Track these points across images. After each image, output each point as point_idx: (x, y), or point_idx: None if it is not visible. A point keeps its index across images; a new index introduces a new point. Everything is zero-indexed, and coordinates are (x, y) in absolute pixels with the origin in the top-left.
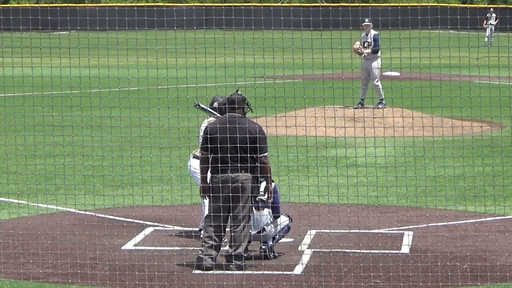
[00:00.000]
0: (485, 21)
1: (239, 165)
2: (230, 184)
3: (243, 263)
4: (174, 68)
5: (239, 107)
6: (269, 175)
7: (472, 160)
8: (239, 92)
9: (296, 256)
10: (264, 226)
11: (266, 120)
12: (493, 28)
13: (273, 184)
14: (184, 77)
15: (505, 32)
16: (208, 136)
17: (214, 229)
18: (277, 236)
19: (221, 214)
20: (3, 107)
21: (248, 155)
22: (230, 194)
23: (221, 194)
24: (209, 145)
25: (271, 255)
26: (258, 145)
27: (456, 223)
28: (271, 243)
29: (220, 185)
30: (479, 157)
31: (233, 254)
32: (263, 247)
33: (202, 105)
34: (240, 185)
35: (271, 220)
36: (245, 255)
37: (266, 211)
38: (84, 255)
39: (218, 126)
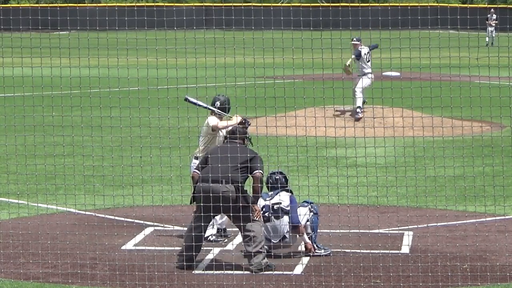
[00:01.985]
0: (487, 20)
1: (221, 176)
2: (210, 193)
3: (262, 264)
4: (174, 68)
5: (239, 137)
6: (258, 193)
7: (472, 160)
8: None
9: (296, 256)
10: (285, 234)
11: (266, 120)
12: (493, 28)
13: (288, 194)
14: (184, 77)
15: (505, 32)
16: (207, 156)
17: (194, 230)
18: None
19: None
20: (3, 107)
21: (239, 170)
22: (211, 201)
23: (201, 195)
24: (200, 165)
25: (318, 251)
26: (252, 163)
27: (456, 223)
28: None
29: (202, 194)
30: (479, 157)
31: (252, 254)
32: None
33: (191, 99)
34: (221, 195)
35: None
36: (263, 259)
37: (286, 219)
38: (84, 255)
39: (219, 155)
